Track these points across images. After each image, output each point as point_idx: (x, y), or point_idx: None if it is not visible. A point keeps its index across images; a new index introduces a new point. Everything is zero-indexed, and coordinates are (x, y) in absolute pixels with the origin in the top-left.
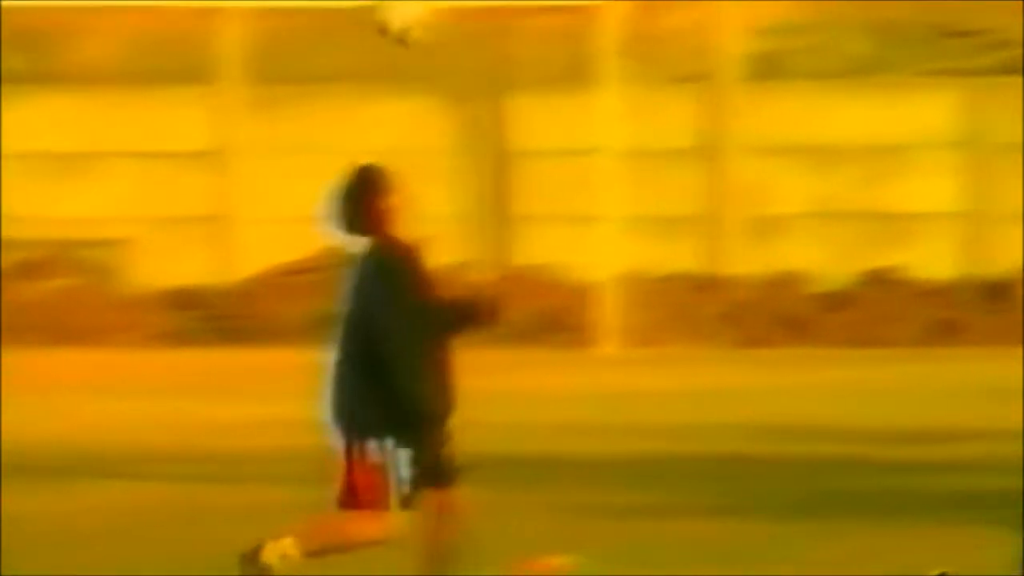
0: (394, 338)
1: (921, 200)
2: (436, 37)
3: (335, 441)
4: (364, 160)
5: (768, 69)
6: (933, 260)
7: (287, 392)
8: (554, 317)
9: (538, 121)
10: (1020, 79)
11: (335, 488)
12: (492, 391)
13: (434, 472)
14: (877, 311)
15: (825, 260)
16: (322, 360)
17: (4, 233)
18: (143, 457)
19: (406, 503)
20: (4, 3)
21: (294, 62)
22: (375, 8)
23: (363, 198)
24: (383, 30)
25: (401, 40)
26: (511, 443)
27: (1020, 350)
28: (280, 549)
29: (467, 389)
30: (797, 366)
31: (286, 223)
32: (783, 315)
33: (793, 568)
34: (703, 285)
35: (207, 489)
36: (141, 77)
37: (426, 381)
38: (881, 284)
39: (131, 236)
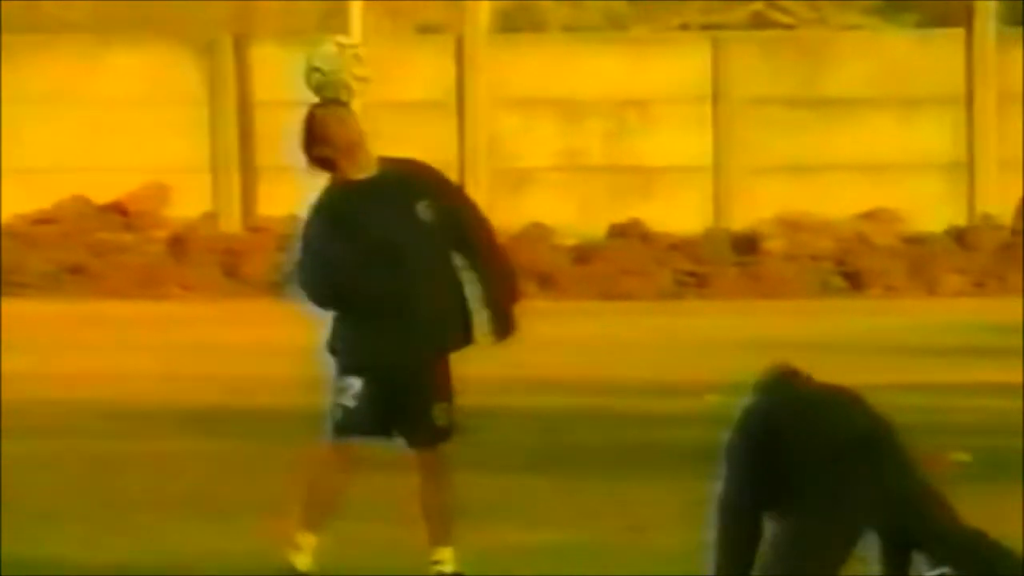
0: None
1: (668, 154)
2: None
3: None
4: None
5: (519, 21)
6: (680, 213)
7: (32, 344)
8: None
9: (283, 71)
10: (765, 33)
11: None
12: (242, 344)
13: (402, 424)
14: (624, 264)
15: (573, 213)
16: (68, 311)
17: None
18: None
19: (339, 431)
20: None
21: (35, 10)
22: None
23: (304, 146)
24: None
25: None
26: (260, 396)
27: (765, 303)
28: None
29: (215, 341)
30: (545, 319)
31: (29, 173)
32: (532, 268)
33: (527, 521)
34: None
35: None
36: None
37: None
38: (628, 237)
39: None
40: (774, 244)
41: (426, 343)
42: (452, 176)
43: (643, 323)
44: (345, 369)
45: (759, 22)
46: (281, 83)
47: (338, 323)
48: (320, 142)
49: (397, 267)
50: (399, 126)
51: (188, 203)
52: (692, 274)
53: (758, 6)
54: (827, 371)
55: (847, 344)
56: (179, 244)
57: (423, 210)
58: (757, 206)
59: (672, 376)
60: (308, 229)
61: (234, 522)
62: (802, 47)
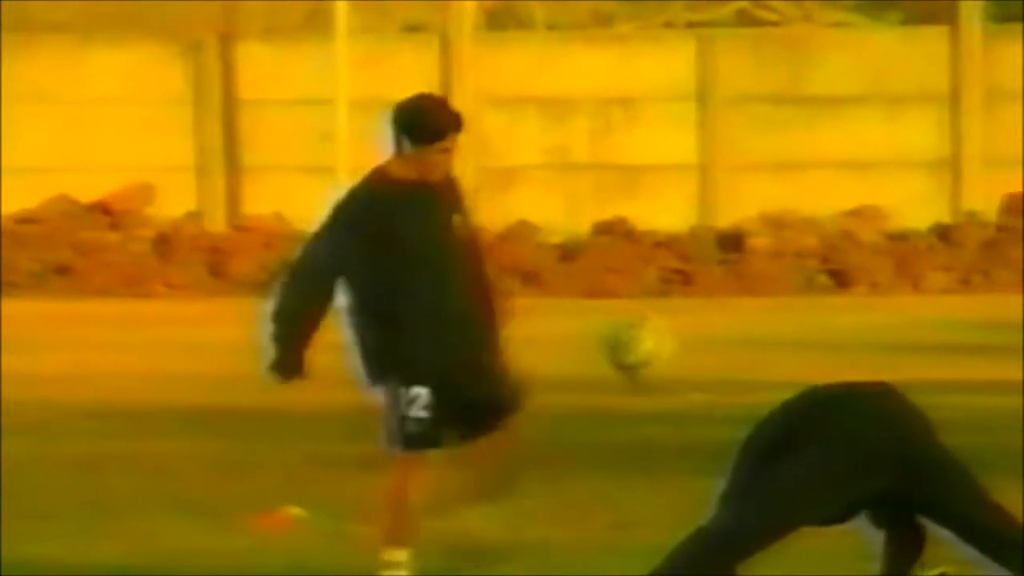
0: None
1: (653, 152)
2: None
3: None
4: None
5: (504, 20)
6: (665, 211)
7: (18, 343)
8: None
9: (269, 70)
10: (751, 31)
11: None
12: (226, 342)
13: (470, 417)
14: (610, 262)
15: (559, 211)
16: (53, 311)
17: None
18: None
19: (414, 442)
20: None
21: (21, 10)
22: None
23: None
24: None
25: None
26: (245, 395)
27: (750, 301)
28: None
29: (199, 340)
30: (530, 316)
31: (14, 172)
32: (517, 266)
33: (513, 519)
34: None
35: None
36: None
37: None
38: (614, 235)
39: None
40: (759, 242)
41: (477, 350)
42: None
43: None
44: (409, 380)
45: (744, 20)
46: (266, 82)
47: (382, 335)
48: (433, 135)
49: (439, 276)
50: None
51: (173, 202)
52: (677, 272)
53: (743, 4)
54: (812, 369)
55: (832, 342)
56: (164, 243)
57: (458, 223)
58: (742, 204)
59: (657, 374)
60: (340, 229)
61: (222, 521)
62: (787, 45)
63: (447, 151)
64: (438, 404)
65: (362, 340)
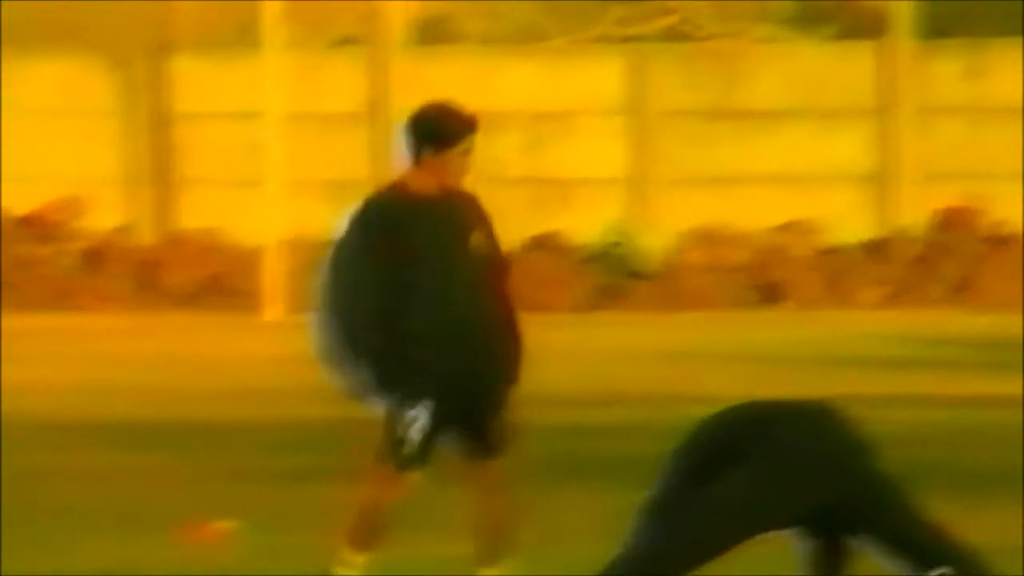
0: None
1: (586, 166)
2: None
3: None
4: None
5: (435, 33)
6: (596, 226)
7: None
8: (218, 282)
9: (200, 83)
10: (682, 46)
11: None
12: (156, 356)
13: (475, 441)
14: (541, 276)
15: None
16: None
17: None
18: None
19: (408, 464)
20: None
21: None
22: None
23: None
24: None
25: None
26: (175, 408)
27: (682, 315)
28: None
29: (129, 353)
30: None
31: None
32: None
33: (449, 531)
34: None
35: None
36: None
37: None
38: (546, 249)
39: None
40: (691, 256)
41: (485, 367)
42: (370, 188)
43: (561, 335)
44: (410, 395)
45: (676, 34)
46: (197, 95)
47: (387, 348)
48: (442, 141)
49: (446, 291)
50: (317, 137)
51: (103, 215)
52: (608, 286)
53: (675, 19)
54: (743, 383)
55: (763, 356)
56: (94, 256)
57: (475, 240)
58: (674, 218)
59: (589, 387)
60: (351, 243)
61: (153, 533)
62: (719, 59)
63: (466, 153)
64: (437, 420)
65: (365, 351)
